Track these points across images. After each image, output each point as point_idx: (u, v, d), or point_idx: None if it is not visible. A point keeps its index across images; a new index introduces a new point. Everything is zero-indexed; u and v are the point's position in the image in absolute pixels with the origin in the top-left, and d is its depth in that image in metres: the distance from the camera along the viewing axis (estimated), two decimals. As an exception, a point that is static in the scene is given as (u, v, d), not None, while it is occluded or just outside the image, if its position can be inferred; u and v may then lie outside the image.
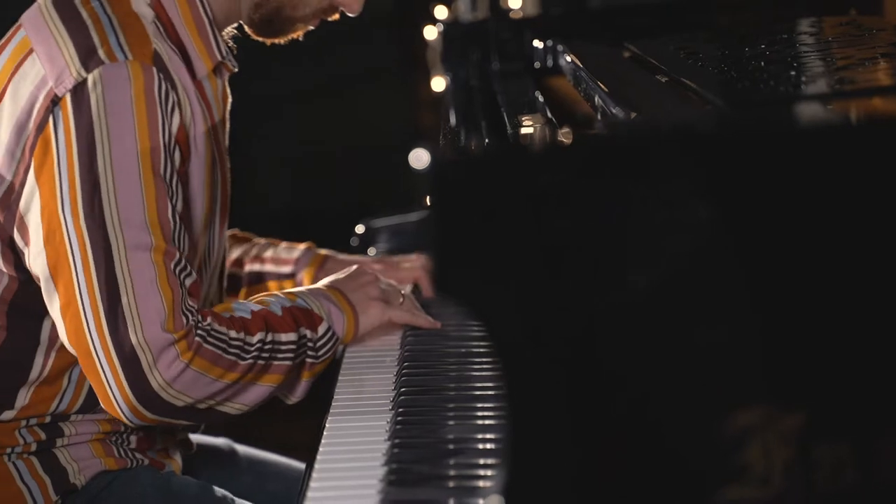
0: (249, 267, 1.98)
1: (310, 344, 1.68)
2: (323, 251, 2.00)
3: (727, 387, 1.03)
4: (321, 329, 1.70)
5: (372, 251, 2.35)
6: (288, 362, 1.66)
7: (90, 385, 1.65)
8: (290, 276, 1.97)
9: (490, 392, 1.60)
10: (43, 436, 1.69)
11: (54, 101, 1.58)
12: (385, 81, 3.94)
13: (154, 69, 1.60)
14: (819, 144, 1.06)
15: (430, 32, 3.06)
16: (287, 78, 3.78)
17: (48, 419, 1.69)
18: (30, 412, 1.68)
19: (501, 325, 1.04)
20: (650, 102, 1.61)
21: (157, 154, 1.59)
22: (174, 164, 1.62)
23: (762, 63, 1.70)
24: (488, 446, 1.45)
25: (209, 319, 1.62)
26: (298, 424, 1.83)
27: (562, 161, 1.00)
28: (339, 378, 1.73)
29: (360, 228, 2.41)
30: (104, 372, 1.58)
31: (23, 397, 1.67)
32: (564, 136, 1.01)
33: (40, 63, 1.60)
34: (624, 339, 1.05)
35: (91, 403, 1.69)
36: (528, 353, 1.06)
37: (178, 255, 1.61)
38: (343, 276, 1.80)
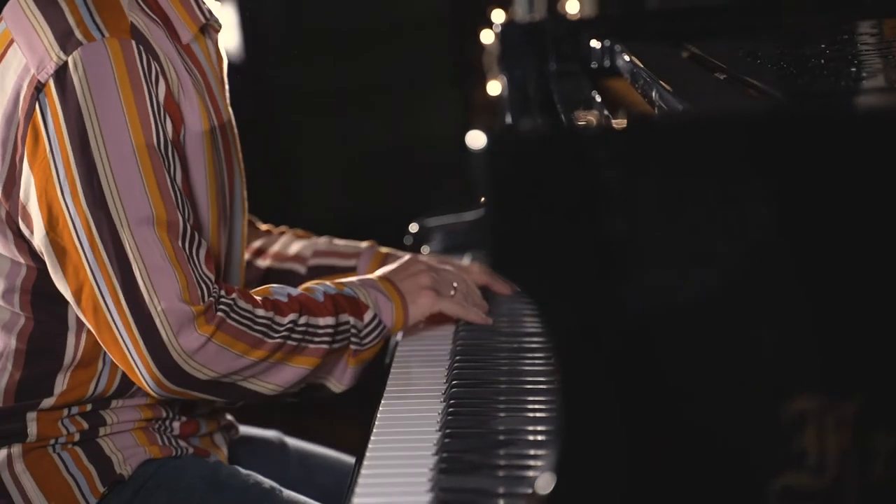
0: (313, 261, 1.97)
1: (353, 330, 1.69)
2: (384, 249, 2.00)
3: (783, 374, 1.02)
4: (367, 316, 1.71)
5: (425, 250, 2.35)
6: (325, 346, 1.66)
7: None
8: (353, 269, 1.96)
9: (541, 386, 1.59)
10: (85, 425, 1.69)
11: (38, 88, 1.58)
12: (440, 87, 3.95)
13: (133, 42, 1.60)
14: (875, 132, 1.05)
15: (487, 36, 3.06)
16: (342, 78, 3.79)
17: (89, 407, 1.69)
18: (69, 398, 1.68)
19: (553, 308, 1.04)
20: (709, 97, 1.60)
21: (147, 126, 1.59)
22: (167, 133, 1.61)
23: (822, 61, 1.69)
24: (539, 438, 1.45)
25: (234, 295, 1.63)
26: (351, 420, 1.83)
27: (616, 142, 1.00)
28: (392, 370, 1.73)
29: (413, 227, 2.40)
30: (126, 346, 1.58)
31: (60, 383, 1.67)
32: (619, 122, 1.01)
33: (21, 52, 1.61)
34: (679, 326, 1.04)
35: (128, 385, 1.69)
36: (580, 338, 1.06)
37: (182, 224, 1.60)
38: (395, 265, 1.81)
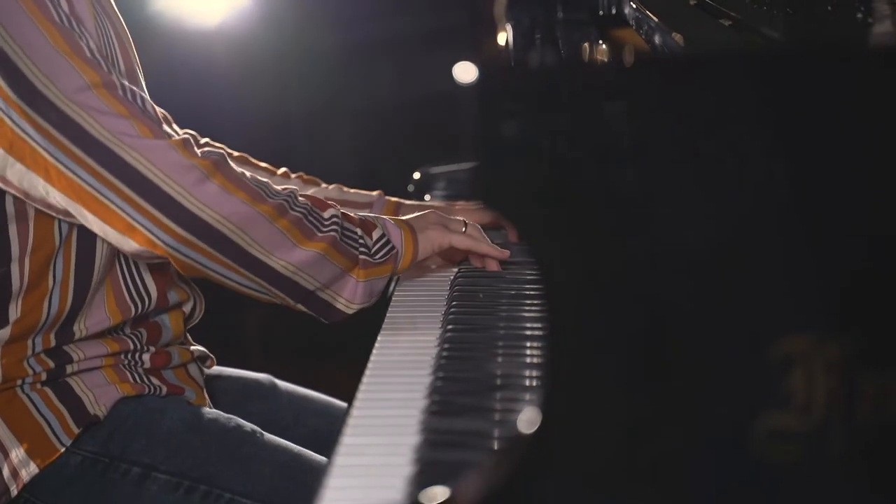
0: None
1: (361, 241, 1.68)
2: (393, 199, 1.99)
3: (771, 314, 1.00)
4: (375, 234, 1.70)
5: (427, 198, 2.34)
6: (334, 233, 1.65)
7: (77, 281, 1.65)
8: None
9: (539, 332, 1.58)
10: (51, 363, 1.66)
11: None
12: (450, 40, 3.91)
13: None
14: (878, 72, 1.03)
15: (498, -14, 3.03)
16: (352, 31, 3.77)
17: (53, 342, 1.66)
18: (25, 325, 1.64)
19: (543, 244, 1.02)
20: (707, 39, 1.58)
21: (43, 5, 1.57)
22: (62, 7, 1.59)
23: (829, 7, 1.67)
24: (534, 383, 1.44)
25: (221, 150, 1.63)
26: (347, 368, 1.79)
27: (610, 73, 0.98)
28: (388, 313, 1.72)
29: (416, 175, 2.39)
30: (121, 208, 1.56)
31: (14, 311, 1.65)
32: (602, 52, 0.99)
33: None
34: (668, 265, 1.02)
35: (81, 301, 1.66)
36: (571, 276, 1.04)
37: (118, 81, 1.59)
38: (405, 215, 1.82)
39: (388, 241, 1.70)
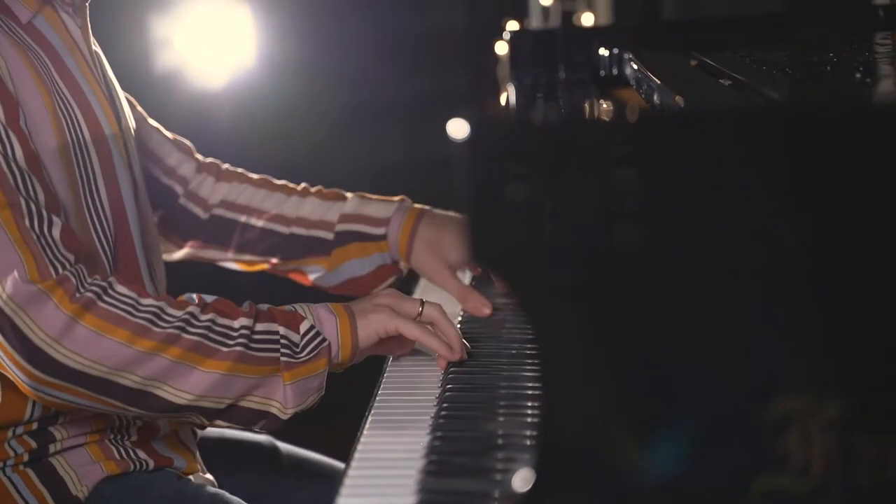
0: (340, 227, 1.88)
1: (284, 340, 1.55)
2: (417, 206, 1.90)
3: (770, 374, 1.00)
4: (303, 326, 1.56)
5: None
6: (239, 348, 1.52)
7: None
8: (383, 238, 1.88)
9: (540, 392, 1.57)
10: (33, 444, 1.61)
11: None
12: (452, 101, 3.93)
13: None
14: (875, 129, 1.03)
15: (502, 48, 3.05)
16: (359, 92, 3.79)
17: (35, 426, 1.61)
18: (7, 420, 1.60)
19: (534, 302, 1.02)
20: (709, 99, 1.58)
21: None
22: None
23: (828, 68, 1.67)
24: (534, 443, 1.42)
25: (111, 280, 1.52)
26: (347, 427, 1.76)
27: (611, 130, 0.98)
28: (385, 373, 1.71)
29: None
30: None
31: None
32: (606, 112, 0.99)
33: None
34: (666, 322, 1.02)
35: None
36: (565, 333, 1.04)
37: (27, 204, 1.49)
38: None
39: (317, 334, 1.57)
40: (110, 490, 1.62)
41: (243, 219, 1.92)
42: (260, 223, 1.91)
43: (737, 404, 1.00)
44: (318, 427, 1.65)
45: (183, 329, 1.51)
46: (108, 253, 1.64)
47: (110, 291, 1.51)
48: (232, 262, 1.96)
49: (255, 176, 1.96)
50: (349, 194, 1.92)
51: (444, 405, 1.54)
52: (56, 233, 1.50)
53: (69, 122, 1.59)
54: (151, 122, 1.92)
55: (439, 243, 1.85)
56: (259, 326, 1.55)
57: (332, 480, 1.78)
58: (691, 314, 1.02)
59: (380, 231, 1.87)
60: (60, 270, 1.48)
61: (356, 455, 1.44)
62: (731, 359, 1.01)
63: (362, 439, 1.48)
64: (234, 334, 1.53)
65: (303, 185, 1.94)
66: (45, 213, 1.50)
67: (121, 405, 1.52)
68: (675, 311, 1.02)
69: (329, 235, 1.89)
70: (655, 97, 1.61)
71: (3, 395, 1.59)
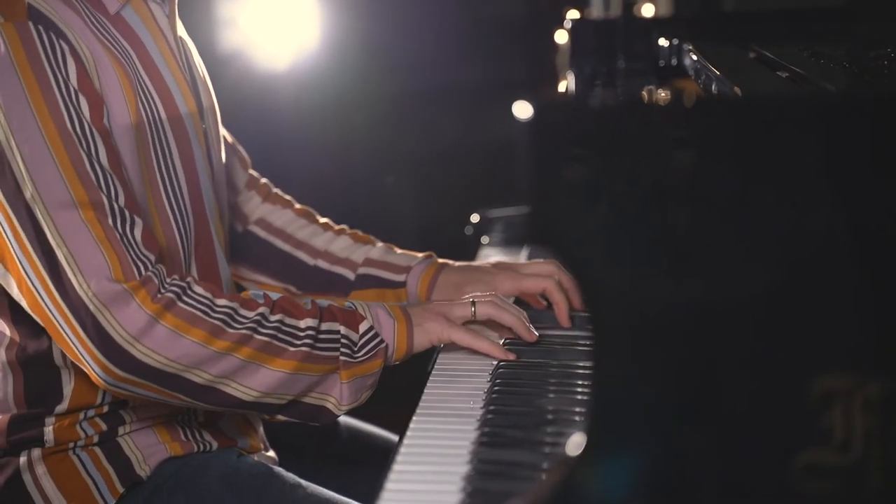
0: (363, 270, 1.89)
1: (344, 340, 1.60)
2: (441, 260, 1.90)
3: (815, 352, 1.03)
4: (362, 327, 1.61)
5: (485, 240, 2.37)
6: (305, 349, 1.57)
7: None
8: (402, 285, 1.88)
9: (590, 370, 1.60)
10: (104, 426, 1.66)
11: None
12: (512, 90, 3.96)
13: (30, 24, 1.53)
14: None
15: (561, 36, 3.07)
16: (419, 80, 3.82)
17: (106, 409, 1.66)
18: (81, 403, 1.65)
19: (593, 281, 1.06)
20: (764, 90, 1.61)
21: (55, 108, 1.52)
22: (81, 113, 1.54)
23: (885, 62, 1.69)
24: (583, 419, 1.46)
25: (189, 280, 1.56)
26: (404, 402, 1.78)
27: (669, 114, 1.02)
28: (440, 350, 1.75)
29: (475, 217, 2.43)
30: (68, 337, 1.53)
31: (68, 390, 1.65)
32: (663, 99, 1.02)
33: None
34: (715, 301, 1.05)
35: None
36: (617, 310, 1.07)
37: (108, 203, 1.53)
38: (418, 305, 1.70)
39: (375, 335, 1.61)
40: (171, 469, 1.67)
41: (275, 241, 1.95)
42: (287, 247, 1.94)
43: (782, 381, 1.03)
44: (375, 400, 1.67)
45: (255, 330, 1.57)
46: (185, 237, 1.68)
47: (189, 292, 1.56)
48: (251, 283, 1.97)
49: (299, 206, 1.99)
50: (379, 243, 1.93)
51: (498, 380, 1.58)
52: (137, 233, 1.55)
53: (145, 102, 1.62)
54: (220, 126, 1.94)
55: (461, 284, 1.84)
56: (323, 326, 1.60)
57: (388, 452, 1.82)
58: (740, 293, 1.05)
59: (400, 278, 1.88)
60: (143, 271, 1.53)
61: (412, 425, 1.48)
62: (778, 336, 1.04)
63: (418, 410, 1.53)
64: (301, 334, 1.58)
65: (342, 226, 1.97)
66: (126, 212, 1.55)
67: (189, 399, 1.57)
68: (725, 291, 1.05)
69: (351, 275, 1.90)
70: (714, 87, 1.64)
71: (76, 381, 1.65)
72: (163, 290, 1.54)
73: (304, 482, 1.68)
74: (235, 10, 3.64)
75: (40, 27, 1.54)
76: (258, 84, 3.62)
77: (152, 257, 1.55)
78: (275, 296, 1.63)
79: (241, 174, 1.98)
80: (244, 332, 1.56)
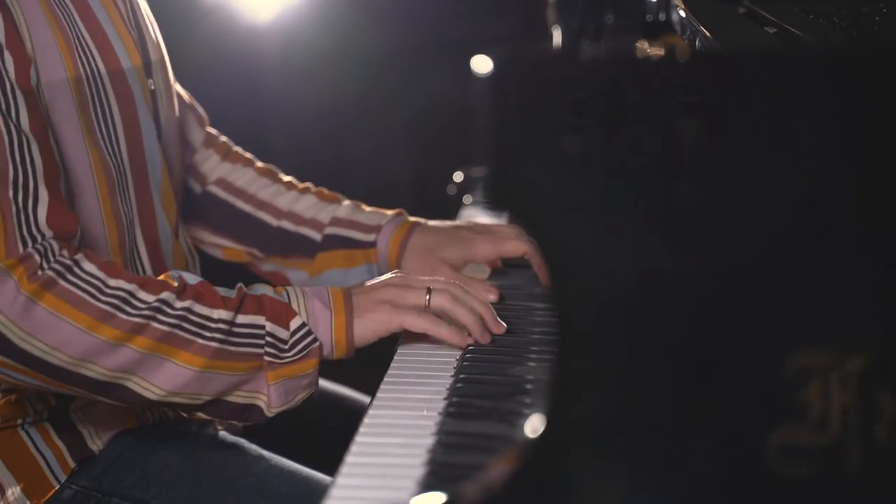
0: (329, 230, 1.79)
1: (269, 338, 1.45)
2: (412, 218, 1.80)
3: (788, 324, 0.97)
4: (293, 324, 1.47)
5: (468, 199, 2.31)
6: (215, 343, 1.43)
7: None
8: (372, 245, 1.77)
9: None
10: (53, 401, 1.57)
11: None
12: (499, 44, 3.89)
13: None
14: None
15: (552, -10, 3.01)
16: (407, 36, 3.76)
17: None
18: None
19: (555, 245, 1.00)
20: (751, 45, 1.55)
21: None
22: (3, 70, 1.42)
23: (876, 17, 1.63)
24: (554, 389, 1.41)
25: (79, 257, 1.42)
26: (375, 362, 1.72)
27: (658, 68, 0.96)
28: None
29: (458, 176, 2.37)
30: None
31: None
32: (640, 49, 0.96)
33: None
34: (688, 270, 1.00)
35: None
36: (583, 275, 1.02)
37: (14, 175, 1.40)
38: (372, 280, 1.58)
39: (307, 333, 1.47)
40: (126, 443, 1.60)
41: (235, 201, 1.85)
42: (248, 208, 1.84)
43: (755, 356, 0.98)
44: (348, 363, 1.59)
45: (152, 318, 1.42)
46: (124, 190, 1.59)
47: (75, 269, 1.41)
48: (214, 247, 1.87)
49: (261, 164, 1.89)
50: (346, 200, 1.83)
51: (469, 347, 1.53)
52: (41, 211, 1.42)
53: (83, 59, 1.53)
54: (173, 81, 1.84)
55: (434, 247, 1.74)
56: (242, 318, 1.45)
57: (358, 417, 1.77)
58: (713, 264, 1.00)
59: (369, 238, 1.77)
60: (30, 245, 1.39)
61: (378, 394, 1.43)
62: (751, 310, 0.99)
63: (385, 379, 1.48)
64: (212, 325, 1.44)
65: (307, 183, 1.87)
66: (32, 186, 1.42)
67: (89, 395, 1.45)
68: (697, 261, 1.00)
69: (317, 236, 1.80)
70: (698, 43, 1.58)
71: None
72: (44, 268, 1.39)
73: (266, 453, 1.62)
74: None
75: None
76: (241, 37, 3.55)
77: (48, 233, 1.41)
78: (192, 280, 1.47)
79: (197, 132, 1.90)
80: (138, 320, 1.41)
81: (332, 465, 1.57)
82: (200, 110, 1.92)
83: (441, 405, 1.37)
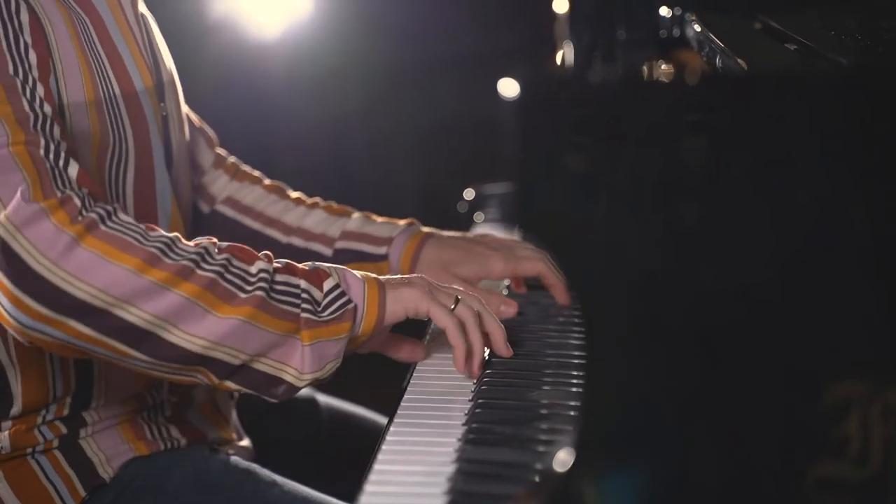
0: (340, 244, 1.75)
1: (305, 295, 1.42)
2: (425, 228, 1.77)
3: (831, 356, 0.94)
4: (327, 284, 1.43)
5: (479, 217, 2.29)
6: (261, 293, 1.39)
7: (77, 361, 1.53)
8: (384, 258, 1.74)
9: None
10: (64, 430, 1.56)
11: None
12: (510, 58, 3.88)
13: None
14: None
15: (560, 5, 2.99)
16: (415, 52, 3.74)
17: (67, 412, 1.55)
18: (34, 403, 1.54)
19: (581, 269, 0.97)
20: (771, 62, 1.52)
21: None
22: (27, 65, 1.42)
23: (899, 34, 1.61)
24: (576, 413, 1.38)
25: (115, 206, 1.40)
26: (389, 379, 1.66)
27: (671, 92, 0.93)
28: (429, 334, 1.67)
29: (468, 194, 2.35)
30: None
31: (16, 391, 1.53)
32: (664, 74, 0.93)
33: None
34: (726, 298, 0.97)
35: (88, 379, 1.55)
36: (617, 312, 0.99)
37: (45, 142, 1.39)
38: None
39: (342, 294, 1.43)
40: (136, 470, 1.57)
41: (243, 219, 1.82)
42: (256, 225, 1.81)
43: (794, 387, 0.95)
44: (360, 380, 1.56)
45: (197, 264, 1.39)
46: (124, 195, 1.56)
47: (115, 217, 1.39)
48: None
49: (269, 181, 1.87)
50: (356, 213, 1.80)
51: (487, 371, 1.50)
52: (73, 171, 1.39)
53: (100, 78, 1.52)
54: (183, 105, 1.81)
55: (448, 262, 1.71)
56: (279, 277, 1.42)
57: (373, 437, 1.74)
58: (749, 290, 0.97)
59: (381, 251, 1.73)
60: (65, 191, 1.37)
61: (395, 420, 1.40)
62: (790, 338, 0.96)
63: (403, 403, 1.45)
64: (253, 279, 1.40)
65: (315, 198, 1.84)
66: (63, 153, 1.40)
67: (124, 348, 1.38)
68: (733, 287, 0.97)
69: (327, 251, 1.76)
70: (718, 61, 1.55)
71: (23, 378, 1.54)
72: (84, 212, 1.36)
73: (279, 479, 1.59)
74: (225, -24, 3.55)
75: None
76: (248, 54, 3.53)
77: (86, 191, 1.38)
78: (222, 243, 1.44)
79: (206, 154, 1.88)
80: (185, 262, 1.38)
81: (345, 487, 1.55)
82: (210, 132, 1.90)
83: (460, 431, 1.34)
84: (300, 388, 1.44)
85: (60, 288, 1.34)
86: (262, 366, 1.42)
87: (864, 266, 0.95)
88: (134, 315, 1.37)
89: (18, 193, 1.36)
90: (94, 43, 1.54)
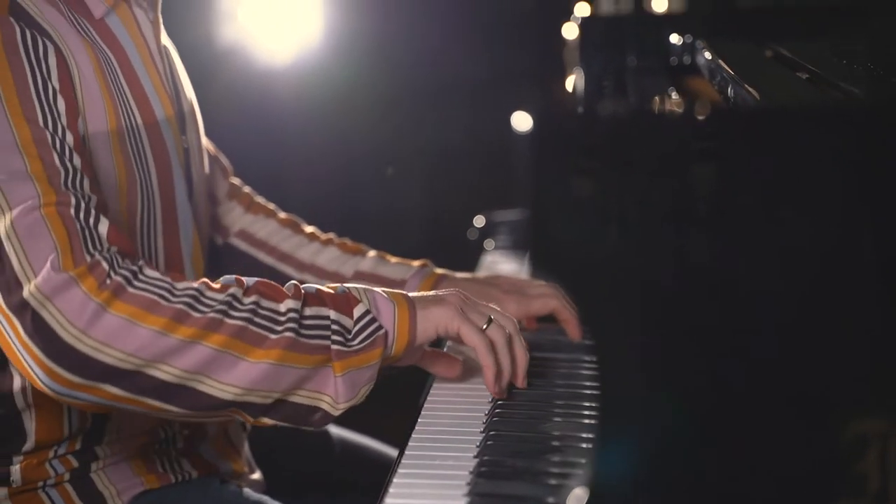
0: (352, 283, 1.68)
1: (335, 326, 1.41)
2: (439, 270, 1.76)
3: (846, 391, 0.93)
4: (357, 311, 1.43)
5: (489, 244, 2.28)
6: (290, 334, 1.39)
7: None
8: None
9: (598, 392, 1.51)
10: (76, 463, 1.55)
11: None
12: (519, 84, 3.88)
13: (11, 20, 1.44)
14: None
15: (570, 30, 2.98)
16: (424, 76, 3.74)
17: (79, 445, 1.55)
18: (48, 440, 1.54)
19: (597, 302, 0.97)
20: (783, 93, 1.52)
21: (28, 105, 1.41)
22: (56, 113, 1.43)
23: (912, 63, 1.60)
24: (589, 445, 1.37)
25: (140, 264, 1.40)
26: (401, 408, 1.65)
27: (681, 127, 0.92)
28: (445, 349, 1.65)
29: (479, 221, 2.34)
30: (11, 340, 1.36)
31: (30, 427, 1.53)
32: (675, 104, 0.93)
33: None
34: (736, 327, 0.96)
35: (102, 420, 1.55)
36: (629, 338, 0.98)
37: (76, 201, 1.40)
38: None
39: (372, 321, 1.43)
40: (147, 503, 1.56)
41: (257, 254, 1.82)
42: (270, 260, 1.81)
43: (809, 423, 0.94)
44: (371, 410, 1.55)
45: (225, 313, 1.39)
46: (152, 253, 1.57)
47: (140, 276, 1.39)
48: None
49: (283, 215, 1.86)
50: (371, 252, 1.79)
51: (499, 402, 1.49)
52: (103, 229, 1.40)
53: (124, 111, 1.52)
54: (203, 137, 1.80)
55: None
56: (308, 311, 1.42)
57: (384, 469, 1.73)
58: (762, 322, 0.96)
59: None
60: (95, 256, 1.37)
61: (406, 452, 1.39)
62: (804, 373, 0.95)
63: (414, 434, 1.44)
64: (282, 319, 1.40)
65: (330, 234, 1.83)
66: (94, 210, 1.41)
67: (158, 403, 1.39)
68: (746, 319, 0.96)
69: None
70: (729, 90, 1.54)
71: (38, 419, 1.53)
72: (112, 276, 1.37)
73: None
74: (234, 3, 3.55)
75: (22, 23, 1.44)
76: (258, 80, 3.53)
77: (112, 248, 1.39)
78: (250, 281, 1.44)
79: (221, 184, 1.88)
80: (213, 315, 1.38)
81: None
82: (225, 161, 1.90)
83: (472, 463, 1.33)
84: (336, 416, 1.43)
85: (90, 356, 1.35)
86: (297, 398, 1.42)
87: (881, 301, 0.94)
88: (165, 373, 1.37)
89: (48, 263, 1.36)
90: (118, 76, 1.54)
